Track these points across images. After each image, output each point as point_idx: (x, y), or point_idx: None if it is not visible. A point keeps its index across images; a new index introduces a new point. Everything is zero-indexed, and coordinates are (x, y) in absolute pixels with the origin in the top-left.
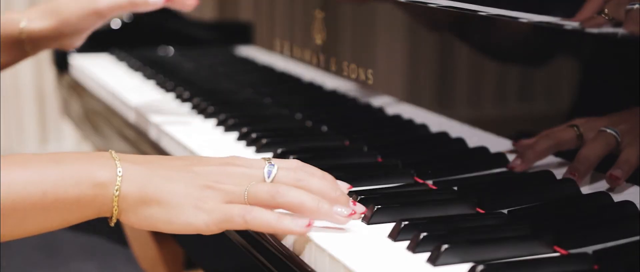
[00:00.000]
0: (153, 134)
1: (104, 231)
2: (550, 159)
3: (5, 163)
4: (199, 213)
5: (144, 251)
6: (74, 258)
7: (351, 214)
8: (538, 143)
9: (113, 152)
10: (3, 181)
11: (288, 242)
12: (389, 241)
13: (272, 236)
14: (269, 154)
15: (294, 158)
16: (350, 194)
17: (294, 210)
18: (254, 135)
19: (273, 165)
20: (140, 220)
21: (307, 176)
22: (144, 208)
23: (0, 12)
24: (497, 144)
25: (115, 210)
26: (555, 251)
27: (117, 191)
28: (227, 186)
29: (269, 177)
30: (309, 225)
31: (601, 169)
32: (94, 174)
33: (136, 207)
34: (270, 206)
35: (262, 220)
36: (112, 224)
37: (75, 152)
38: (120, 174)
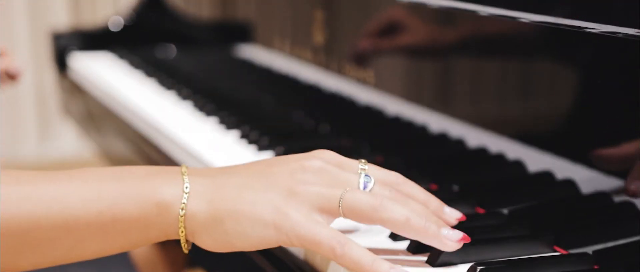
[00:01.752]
0: (153, 133)
1: None
2: (551, 159)
3: (63, 177)
4: (283, 225)
5: (144, 252)
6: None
7: (462, 239)
8: None
9: (185, 166)
10: (56, 196)
11: None
12: (389, 241)
13: None
14: (270, 154)
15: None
16: None
17: (396, 228)
18: (254, 134)
19: (369, 178)
20: (216, 241)
21: (405, 199)
22: (217, 226)
23: (0, 11)
24: (497, 144)
25: (182, 232)
26: (555, 251)
27: (183, 209)
28: (317, 188)
29: (364, 189)
30: None
31: (601, 168)
32: (157, 191)
33: (208, 227)
34: (368, 221)
35: (355, 259)
36: (186, 251)
37: (144, 166)
38: (187, 190)
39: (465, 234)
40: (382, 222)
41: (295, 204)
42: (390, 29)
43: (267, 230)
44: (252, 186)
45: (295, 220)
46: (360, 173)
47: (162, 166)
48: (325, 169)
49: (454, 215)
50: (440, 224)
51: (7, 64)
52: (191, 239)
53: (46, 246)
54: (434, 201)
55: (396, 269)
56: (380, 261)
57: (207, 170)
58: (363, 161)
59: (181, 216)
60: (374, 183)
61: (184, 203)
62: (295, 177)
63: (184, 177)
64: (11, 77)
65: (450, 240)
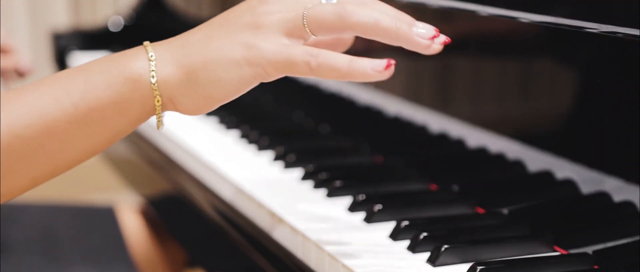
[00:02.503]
0: (153, 133)
1: (103, 235)
2: (551, 159)
3: (36, 84)
4: (255, 58)
5: (144, 253)
6: (73, 262)
7: (434, 37)
8: None
9: (147, 42)
10: (31, 104)
11: (288, 241)
12: (389, 240)
13: (271, 236)
14: (270, 153)
15: (293, 158)
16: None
17: (366, 31)
18: (254, 134)
19: None
20: (195, 100)
21: (373, 3)
22: (192, 83)
23: (0, 11)
24: (497, 144)
25: (158, 101)
26: (555, 251)
27: (153, 77)
28: (280, 14)
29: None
30: (389, 66)
31: (601, 168)
32: (125, 68)
33: (184, 87)
34: (336, 30)
35: (332, 65)
36: (160, 126)
37: (109, 54)
38: (152, 58)
39: (442, 35)
40: (351, 27)
41: (262, 35)
42: None
43: (241, 69)
44: (216, 34)
45: (265, 49)
46: None
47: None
48: None
49: (430, 29)
50: (411, 24)
51: (17, 61)
52: (172, 108)
53: (36, 157)
54: (405, 15)
55: (374, 63)
56: (357, 59)
57: (171, 38)
58: None
59: (154, 84)
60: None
61: (153, 70)
62: (257, 12)
63: (147, 48)
64: (20, 74)
65: (423, 38)
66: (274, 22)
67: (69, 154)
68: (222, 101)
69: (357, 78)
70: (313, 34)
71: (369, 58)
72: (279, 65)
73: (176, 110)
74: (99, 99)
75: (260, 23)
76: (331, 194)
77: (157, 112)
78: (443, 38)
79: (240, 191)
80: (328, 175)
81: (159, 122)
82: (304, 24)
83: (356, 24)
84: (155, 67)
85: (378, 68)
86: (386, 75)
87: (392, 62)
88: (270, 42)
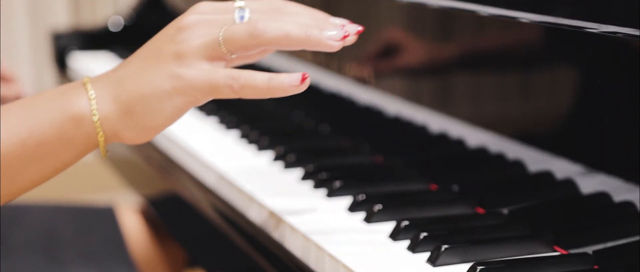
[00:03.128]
0: None
1: (103, 235)
2: (550, 159)
3: None
4: (182, 87)
5: (144, 253)
6: (73, 262)
7: (345, 37)
8: None
9: (86, 77)
10: None
11: (288, 241)
12: (389, 240)
13: (272, 236)
14: (270, 153)
15: (293, 157)
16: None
17: (280, 44)
18: (254, 134)
19: (244, 10)
20: (138, 131)
21: (285, 16)
22: (132, 117)
23: (0, 11)
24: (497, 144)
25: (101, 137)
26: (555, 251)
27: (95, 115)
28: (198, 40)
29: (241, 21)
30: (304, 78)
31: (601, 168)
32: (68, 107)
33: (124, 121)
34: (252, 47)
35: (253, 85)
36: (104, 156)
37: (49, 89)
38: (93, 97)
39: (352, 28)
40: (264, 44)
41: (186, 64)
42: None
43: (173, 99)
44: (146, 66)
45: (189, 78)
46: (236, 9)
47: (67, 83)
48: (201, 20)
49: (341, 21)
50: (323, 28)
51: (17, 90)
52: (116, 140)
53: None
54: (320, 13)
55: (292, 75)
56: (275, 77)
57: (105, 73)
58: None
59: (96, 122)
60: (250, 13)
61: (94, 109)
62: (176, 40)
63: (87, 86)
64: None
65: (335, 40)
66: (193, 49)
67: (17, 185)
68: (162, 128)
69: (278, 94)
70: (230, 54)
71: (286, 73)
72: (205, 91)
73: (120, 141)
74: (46, 136)
75: (181, 52)
76: (331, 194)
77: (101, 146)
78: (354, 29)
79: (240, 191)
80: (328, 175)
81: (104, 153)
82: (222, 47)
83: (268, 41)
84: (96, 105)
85: (294, 83)
86: (303, 88)
87: (307, 75)
88: (194, 70)
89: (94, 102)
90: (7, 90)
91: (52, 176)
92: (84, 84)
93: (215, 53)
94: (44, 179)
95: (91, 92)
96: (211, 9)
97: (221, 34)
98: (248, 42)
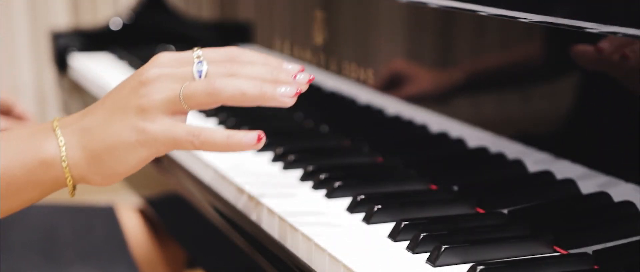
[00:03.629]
0: None
1: (104, 235)
2: (550, 159)
3: None
4: (146, 140)
5: (144, 253)
6: (73, 263)
7: (298, 93)
8: None
9: (56, 120)
10: None
11: (287, 241)
12: (389, 241)
13: (272, 236)
14: (270, 154)
15: (292, 158)
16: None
17: (237, 102)
18: None
19: (202, 62)
20: (103, 177)
21: (242, 67)
22: (99, 165)
23: (0, 12)
24: (497, 144)
25: (69, 181)
26: (555, 251)
27: (64, 162)
28: (160, 95)
29: (200, 77)
30: (260, 138)
31: (601, 169)
32: (39, 152)
33: (92, 168)
34: (210, 105)
35: (212, 142)
36: (73, 195)
37: (19, 129)
38: (62, 144)
39: (302, 78)
40: (222, 102)
41: (149, 118)
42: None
43: (137, 150)
44: (111, 118)
45: (152, 132)
46: (194, 62)
47: (39, 124)
48: (162, 75)
49: (295, 69)
50: (277, 83)
51: (20, 113)
52: (83, 182)
53: None
54: (274, 61)
55: (249, 134)
56: (234, 133)
57: (74, 116)
58: (196, 48)
59: (65, 168)
60: (208, 66)
61: (63, 155)
62: (139, 94)
63: (57, 131)
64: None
65: (288, 96)
66: (156, 104)
67: None
68: (127, 175)
69: (235, 151)
70: (191, 109)
71: (244, 131)
72: (167, 145)
73: (87, 183)
74: (15, 177)
75: (144, 106)
76: (331, 194)
77: (69, 187)
78: (305, 79)
79: (240, 191)
80: (328, 175)
81: (72, 193)
82: (182, 103)
83: (225, 99)
84: (65, 152)
85: (251, 142)
86: (258, 146)
87: (263, 136)
88: (157, 124)
89: (63, 148)
90: (7, 122)
91: (18, 209)
92: (54, 129)
93: (176, 108)
94: (9, 212)
95: (61, 138)
96: (171, 60)
97: (181, 91)
98: (206, 100)
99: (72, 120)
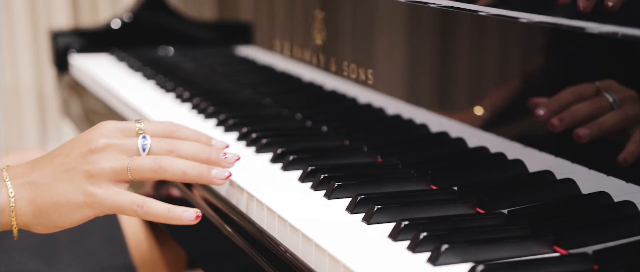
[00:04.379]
0: None
1: (103, 235)
2: (550, 159)
3: None
4: (93, 203)
5: (144, 254)
6: (73, 263)
7: (227, 177)
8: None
9: (5, 169)
10: None
11: (288, 242)
12: (389, 240)
13: (272, 236)
14: (269, 154)
15: (291, 158)
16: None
17: (177, 180)
18: (253, 135)
19: (146, 138)
20: (47, 227)
21: (179, 144)
22: (44, 217)
23: (0, 12)
24: (498, 144)
25: (15, 227)
26: (555, 251)
27: (13, 211)
28: (108, 164)
29: (144, 151)
30: (198, 217)
31: (601, 169)
32: None
33: (37, 219)
34: (154, 180)
35: (155, 214)
36: (17, 237)
37: None
38: (12, 195)
39: (230, 157)
40: (165, 179)
41: (97, 183)
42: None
43: (83, 209)
44: (60, 178)
45: (100, 196)
46: (139, 135)
47: None
48: (110, 145)
49: (220, 145)
50: (211, 165)
51: None
52: (26, 229)
53: None
54: (203, 136)
55: (189, 211)
56: (175, 208)
57: (22, 168)
58: (138, 120)
59: (13, 216)
60: (151, 140)
61: (12, 205)
62: (88, 160)
63: (7, 182)
64: None
65: (221, 178)
66: (104, 172)
67: None
68: (68, 227)
69: (175, 223)
70: (135, 180)
71: (183, 207)
72: (112, 209)
73: (30, 230)
74: None
75: (93, 172)
76: (331, 194)
77: (14, 231)
78: (233, 159)
79: (240, 191)
80: (327, 175)
81: (16, 236)
82: (128, 175)
83: (168, 177)
84: (14, 203)
85: (190, 218)
86: (195, 222)
87: (200, 214)
88: (103, 189)
89: (12, 199)
90: None
91: None
92: (4, 179)
93: (122, 178)
94: None
95: (11, 190)
96: (115, 131)
97: (129, 164)
98: (151, 175)
99: (22, 172)
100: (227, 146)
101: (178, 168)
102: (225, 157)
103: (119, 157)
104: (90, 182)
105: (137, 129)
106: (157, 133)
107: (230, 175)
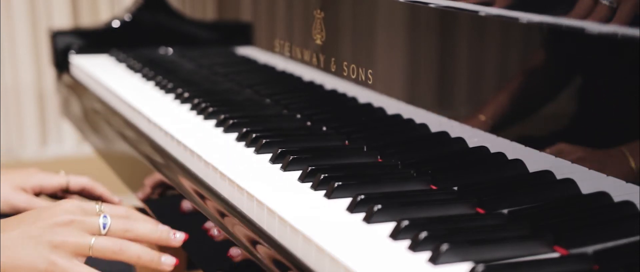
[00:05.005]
0: (152, 135)
1: None
2: (550, 159)
3: None
4: (54, 271)
5: None
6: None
7: (176, 263)
8: None
9: None
10: None
11: (288, 242)
12: (390, 240)
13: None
14: (269, 154)
15: (291, 158)
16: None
17: (132, 263)
18: (253, 135)
19: (106, 217)
20: None
21: (135, 224)
22: None
23: (0, 12)
24: (498, 144)
25: None
26: (555, 251)
27: None
28: (71, 239)
29: (104, 229)
30: (177, 262)
31: (601, 169)
32: None
33: None
34: (112, 259)
35: None
36: None
37: None
38: None
39: (178, 237)
40: (124, 260)
41: (59, 254)
42: None
43: None
44: (25, 243)
45: (61, 266)
46: (100, 215)
47: None
48: (75, 221)
49: (168, 229)
50: (162, 238)
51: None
52: None
53: None
54: (151, 220)
55: (168, 258)
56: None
57: None
58: (98, 203)
59: None
60: (111, 220)
61: None
62: (54, 232)
63: None
64: None
65: (169, 265)
66: (68, 245)
67: None
68: None
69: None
70: (93, 256)
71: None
72: None
73: None
74: None
75: (57, 244)
76: (331, 194)
77: None
78: (180, 239)
79: (240, 191)
80: (327, 175)
81: None
82: (90, 251)
83: (126, 260)
84: None
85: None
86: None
87: (176, 262)
88: (65, 260)
89: None
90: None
91: None
92: None
93: (83, 253)
94: None
95: None
96: (78, 209)
97: (92, 242)
98: (111, 256)
99: None
100: (175, 232)
101: (134, 253)
102: (175, 236)
103: (83, 234)
104: (53, 252)
105: (97, 209)
106: (116, 214)
107: (178, 262)
